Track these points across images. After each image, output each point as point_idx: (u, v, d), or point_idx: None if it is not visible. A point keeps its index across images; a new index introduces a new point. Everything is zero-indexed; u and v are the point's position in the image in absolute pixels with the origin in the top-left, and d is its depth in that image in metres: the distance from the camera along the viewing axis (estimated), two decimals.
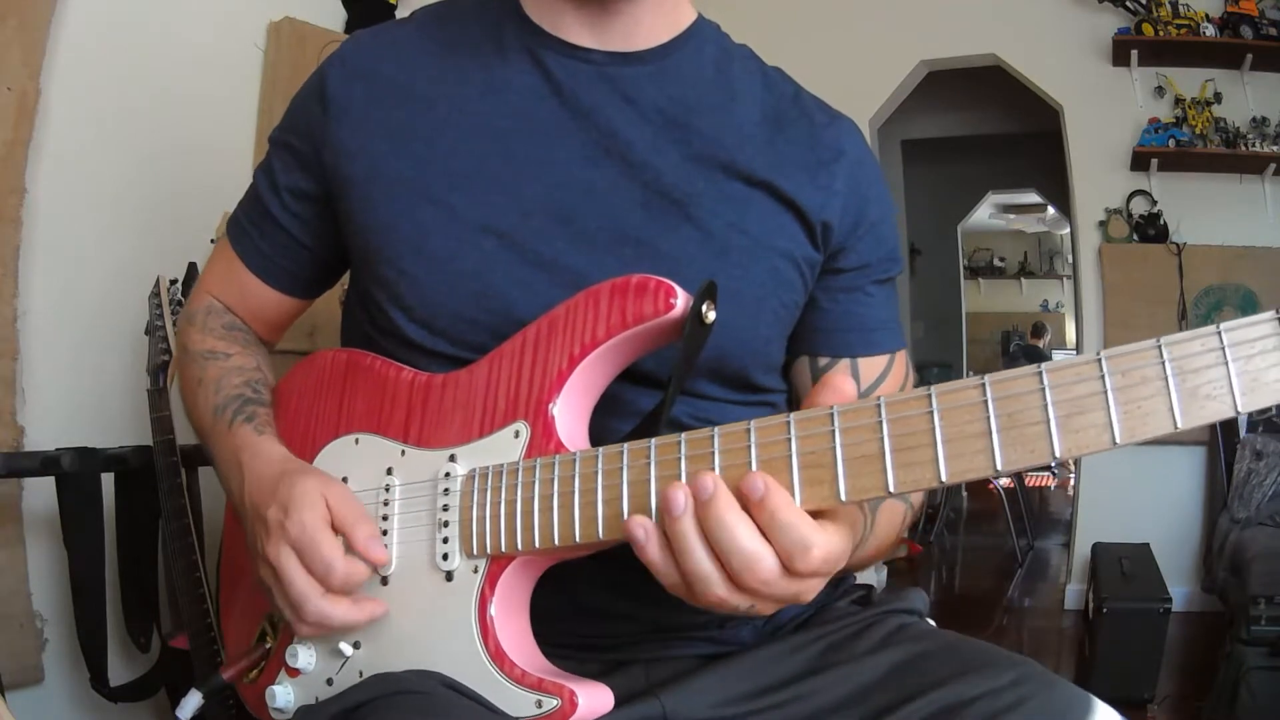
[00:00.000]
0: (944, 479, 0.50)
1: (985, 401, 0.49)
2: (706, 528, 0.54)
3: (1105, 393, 0.47)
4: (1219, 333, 0.45)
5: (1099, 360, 0.47)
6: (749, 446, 0.55)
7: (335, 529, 0.68)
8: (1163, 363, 0.46)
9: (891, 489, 0.51)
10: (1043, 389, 0.48)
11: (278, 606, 0.69)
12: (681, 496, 0.54)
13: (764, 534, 0.53)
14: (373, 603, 0.68)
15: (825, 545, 0.53)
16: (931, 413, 0.51)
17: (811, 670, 0.70)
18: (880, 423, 0.52)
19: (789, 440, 0.54)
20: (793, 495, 0.54)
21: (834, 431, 0.53)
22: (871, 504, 0.73)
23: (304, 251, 0.85)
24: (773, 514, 0.53)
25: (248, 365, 0.84)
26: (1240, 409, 0.44)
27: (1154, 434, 0.46)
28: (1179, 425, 0.45)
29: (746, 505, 0.54)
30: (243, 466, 0.74)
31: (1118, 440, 0.46)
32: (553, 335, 0.67)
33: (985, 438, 0.49)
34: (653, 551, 0.56)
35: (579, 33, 0.77)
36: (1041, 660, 0.66)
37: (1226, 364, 0.44)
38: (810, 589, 0.56)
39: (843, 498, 0.53)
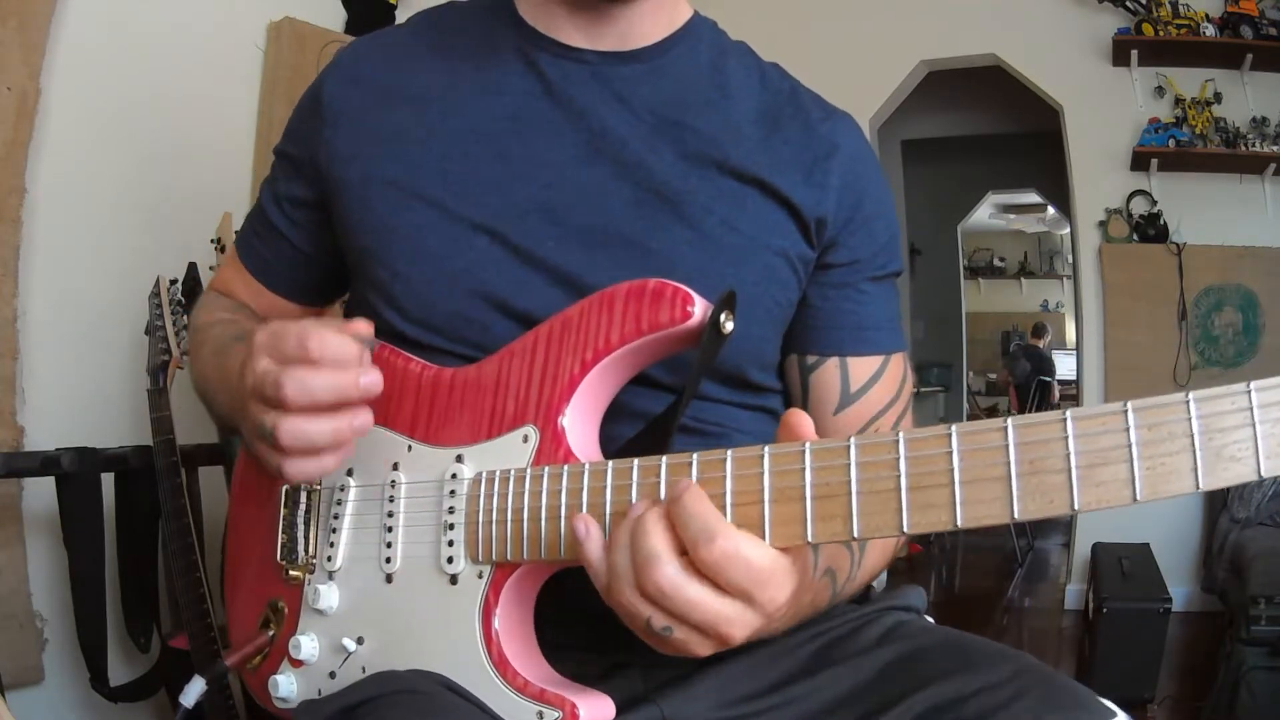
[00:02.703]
0: (959, 523, 0.48)
1: (1007, 446, 0.47)
2: (633, 527, 0.54)
3: (1130, 446, 0.44)
4: (1249, 391, 0.42)
5: (1125, 411, 0.45)
6: (762, 474, 0.54)
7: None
8: (1190, 419, 0.43)
9: (905, 529, 0.50)
10: (1067, 437, 0.46)
11: (269, 456, 0.63)
12: (642, 505, 0.55)
13: (677, 528, 0.52)
14: (355, 372, 0.61)
15: (736, 542, 0.51)
16: (951, 453, 0.49)
17: (809, 669, 0.70)
18: (898, 459, 0.50)
19: (803, 470, 0.52)
20: (804, 528, 0.52)
21: (850, 465, 0.51)
22: (859, 557, 0.73)
23: (304, 258, 0.86)
24: (684, 505, 0.52)
25: (252, 323, 0.84)
26: (1264, 473, 0.42)
27: (1174, 493, 0.44)
28: (1201, 486, 0.43)
29: (668, 504, 0.53)
30: (239, 364, 0.67)
31: (1138, 498, 0.44)
32: (565, 337, 0.66)
33: (1004, 484, 0.47)
34: (593, 549, 0.56)
35: (573, 34, 0.78)
36: (1041, 660, 0.66)
37: (1254, 425, 0.42)
38: (731, 617, 0.52)
39: (856, 534, 0.51)
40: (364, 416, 0.63)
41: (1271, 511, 2.96)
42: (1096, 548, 3.05)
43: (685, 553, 0.52)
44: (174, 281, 1.57)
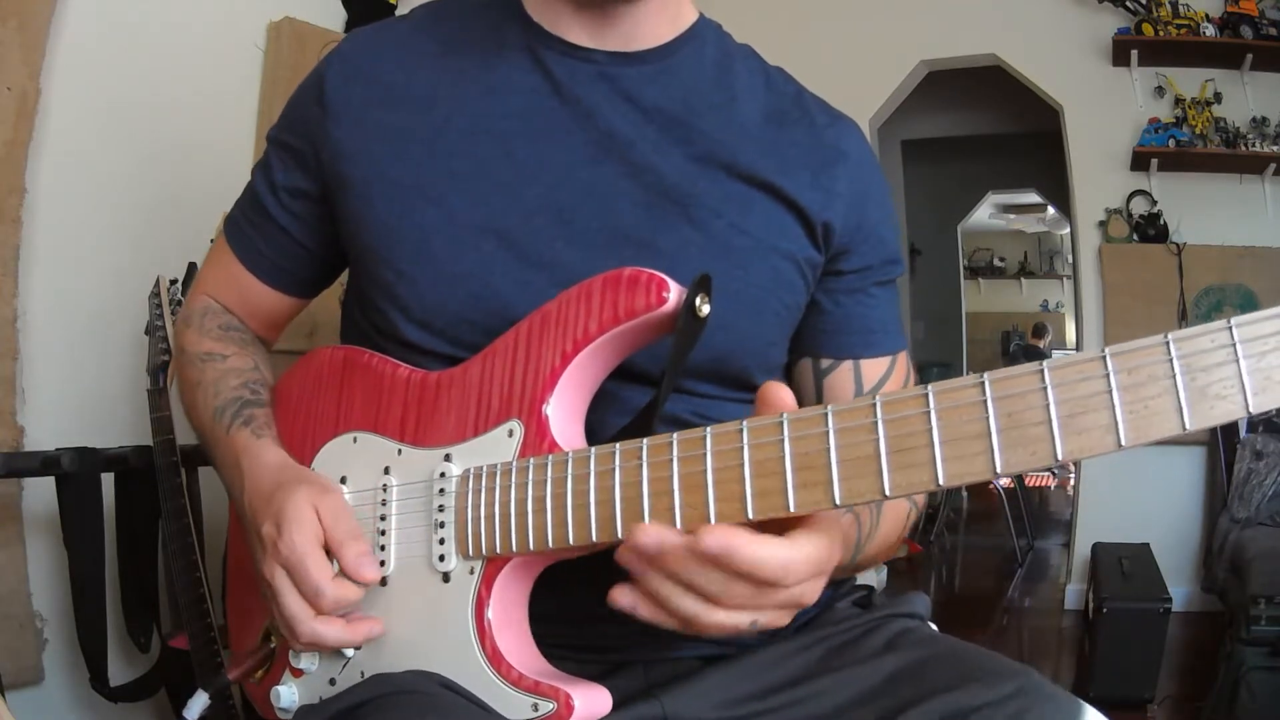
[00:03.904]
0: (941, 482, 0.48)
1: (985, 401, 0.47)
2: (671, 574, 0.55)
3: (1110, 392, 0.44)
4: (1230, 328, 0.42)
5: (1104, 357, 0.44)
6: (741, 448, 0.54)
7: (327, 547, 0.68)
8: (1170, 360, 0.43)
9: (887, 492, 0.50)
10: (1045, 388, 0.46)
11: (275, 622, 0.70)
12: (636, 560, 0.56)
13: (742, 579, 0.53)
14: (368, 622, 0.68)
15: (803, 560, 0.53)
16: (929, 413, 0.49)
17: (813, 673, 0.70)
18: (876, 423, 0.50)
19: (782, 441, 0.53)
20: (785, 499, 0.53)
21: (828, 432, 0.52)
22: (875, 505, 0.73)
23: (302, 251, 0.85)
24: (738, 567, 0.53)
25: (245, 366, 0.84)
26: (1252, 409, 0.41)
27: (1161, 436, 0.43)
28: (1187, 426, 0.42)
29: (714, 562, 0.53)
30: (243, 473, 0.74)
31: (1123, 443, 0.44)
32: (545, 331, 0.67)
33: (985, 439, 0.47)
34: (646, 612, 0.57)
35: (578, 33, 0.77)
36: (1042, 660, 0.66)
37: (1238, 361, 0.42)
38: (810, 592, 0.56)
39: (837, 501, 0.51)
40: (377, 628, 0.68)
41: (1271, 511, 2.96)
42: (1096, 548, 3.05)
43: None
44: (174, 281, 1.57)
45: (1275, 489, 2.98)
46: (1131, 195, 3.42)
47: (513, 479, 0.64)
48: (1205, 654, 2.75)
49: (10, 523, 1.61)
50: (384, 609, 0.69)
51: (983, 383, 0.48)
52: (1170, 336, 0.43)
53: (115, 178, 1.84)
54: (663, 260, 0.72)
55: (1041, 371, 0.46)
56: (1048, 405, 0.46)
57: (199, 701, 0.76)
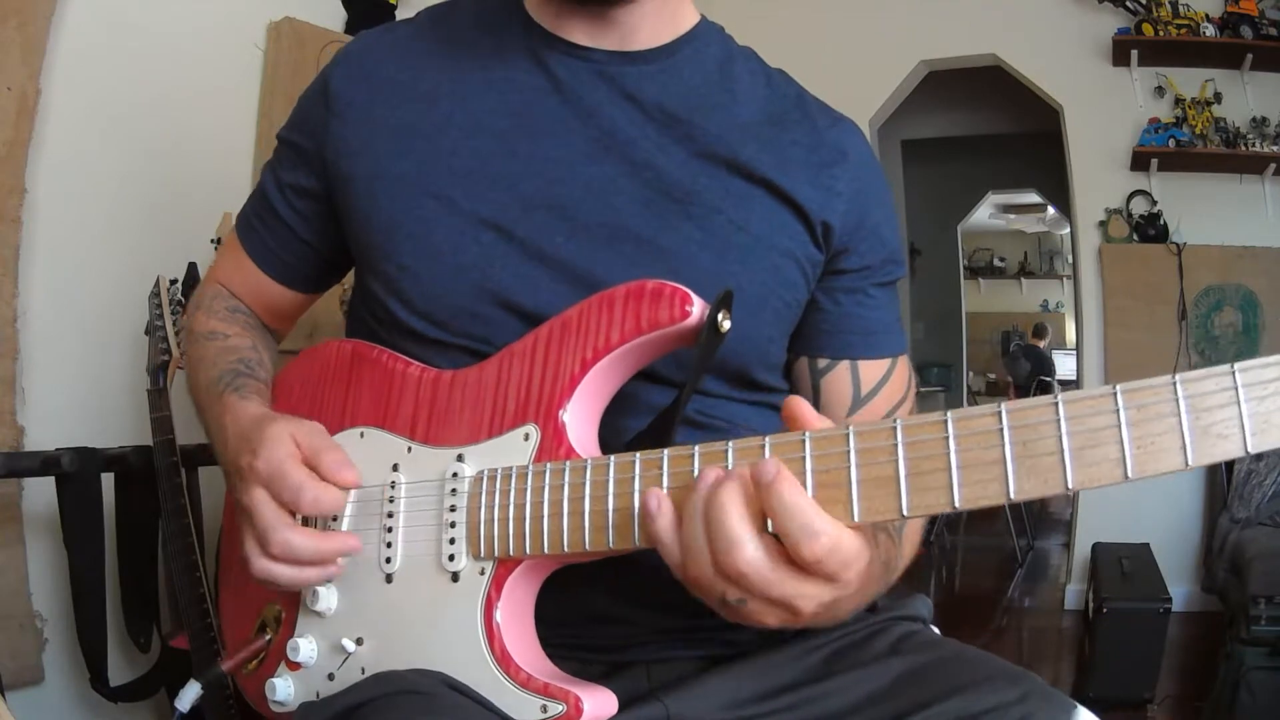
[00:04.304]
0: (958, 505, 0.50)
1: (1001, 430, 0.49)
2: (707, 504, 0.53)
3: (1119, 426, 0.47)
4: (1233, 372, 0.45)
5: (1114, 394, 0.47)
6: None
7: (306, 464, 0.69)
8: (1177, 399, 0.45)
9: (905, 512, 0.51)
10: (1058, 420, 0.48)
11: (246, 555, 0.69)
12: (711, 475, 0.54)
13: (771, 518, 0.52)
14: (342, 535, 0.68)
15: (835, 535, 0.51)
16: (948, 438, 0.51)
17: (817, 675, 0.70)
18: (896, 445, 0.52)
19: (804, 459, 0.54)
20: None
21: (849, 452, 0.53)
22: (897, 530, 0.73)
23: (307, 248, 0.86)
24: (780, 496, 0.51)
25: (243, 345, 0.86)
26: (1250, 449, 0.44)
27: (1165, 470, 0.46)
28: (1190, 463, 0.45)
29: (756, 487, 0.52)
30: (225, 429, 0.75)
31: (1130, 475, 0.46)
32: (565, 337, 0.67)
33: (1000, 465, 0.49)
34: (663, 528, 0.56)
35: (579, 34, 0.78)
36: (1041, 660, 0.66)
37: (1239, 404, 0.44)
38: (809, 594, 0.53)
39: (856, 518, 0.52)
40: (353, 542, 0.69)
41: (1271, 511, 2.96)
42: (1096, 548, 3.05)
43: (763, 528, 0.53)
44: (174, 281, 1.57)
45: (1275, 489, 2.98)
46: (1131, 195, 3.42)
47: (529, 482, 0.64)
48: (1205, 654, 2.75)
49: (10, 523, 1.61)
50: (389, 607, 0.69)
51: (1000, 412, 0.50)
52: (1178, 377, 0.46)
53: (115, 178, 1.84)
54: (663, 256, 0.73)
55: (1055, 404, 0.49)
56: (1060, 436, 0.48)
57: (191, 692, 0.75)
